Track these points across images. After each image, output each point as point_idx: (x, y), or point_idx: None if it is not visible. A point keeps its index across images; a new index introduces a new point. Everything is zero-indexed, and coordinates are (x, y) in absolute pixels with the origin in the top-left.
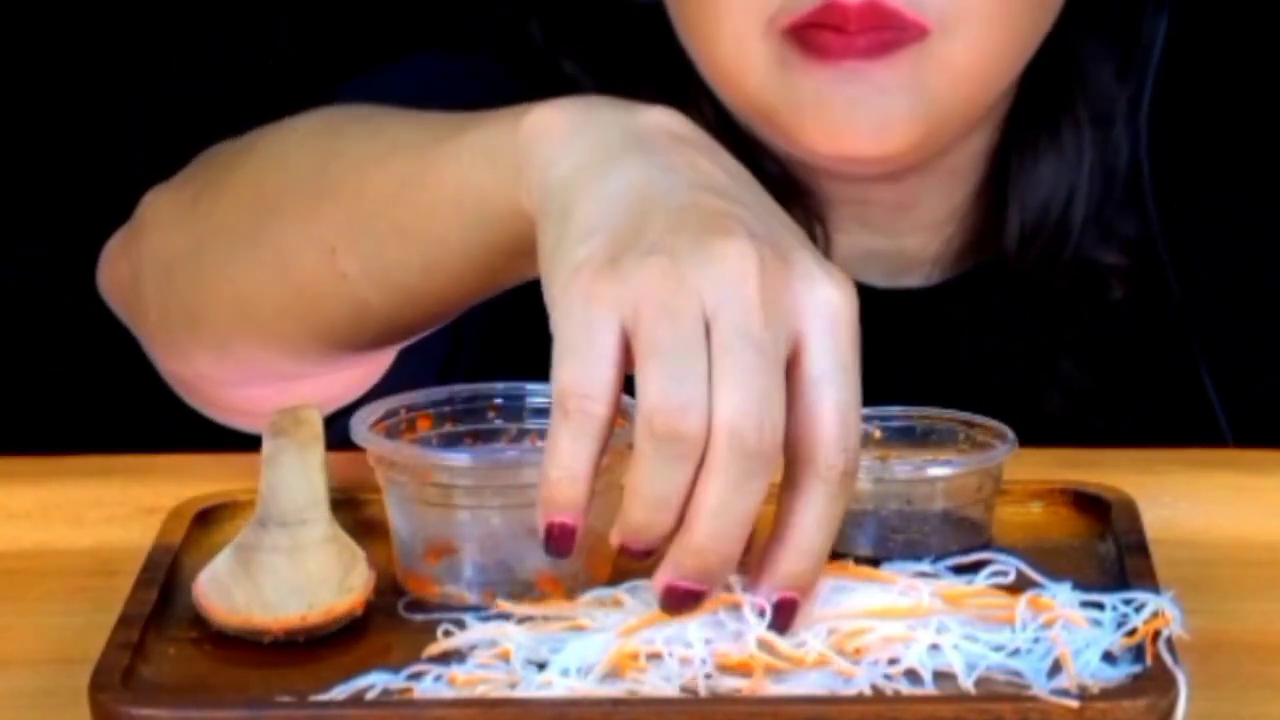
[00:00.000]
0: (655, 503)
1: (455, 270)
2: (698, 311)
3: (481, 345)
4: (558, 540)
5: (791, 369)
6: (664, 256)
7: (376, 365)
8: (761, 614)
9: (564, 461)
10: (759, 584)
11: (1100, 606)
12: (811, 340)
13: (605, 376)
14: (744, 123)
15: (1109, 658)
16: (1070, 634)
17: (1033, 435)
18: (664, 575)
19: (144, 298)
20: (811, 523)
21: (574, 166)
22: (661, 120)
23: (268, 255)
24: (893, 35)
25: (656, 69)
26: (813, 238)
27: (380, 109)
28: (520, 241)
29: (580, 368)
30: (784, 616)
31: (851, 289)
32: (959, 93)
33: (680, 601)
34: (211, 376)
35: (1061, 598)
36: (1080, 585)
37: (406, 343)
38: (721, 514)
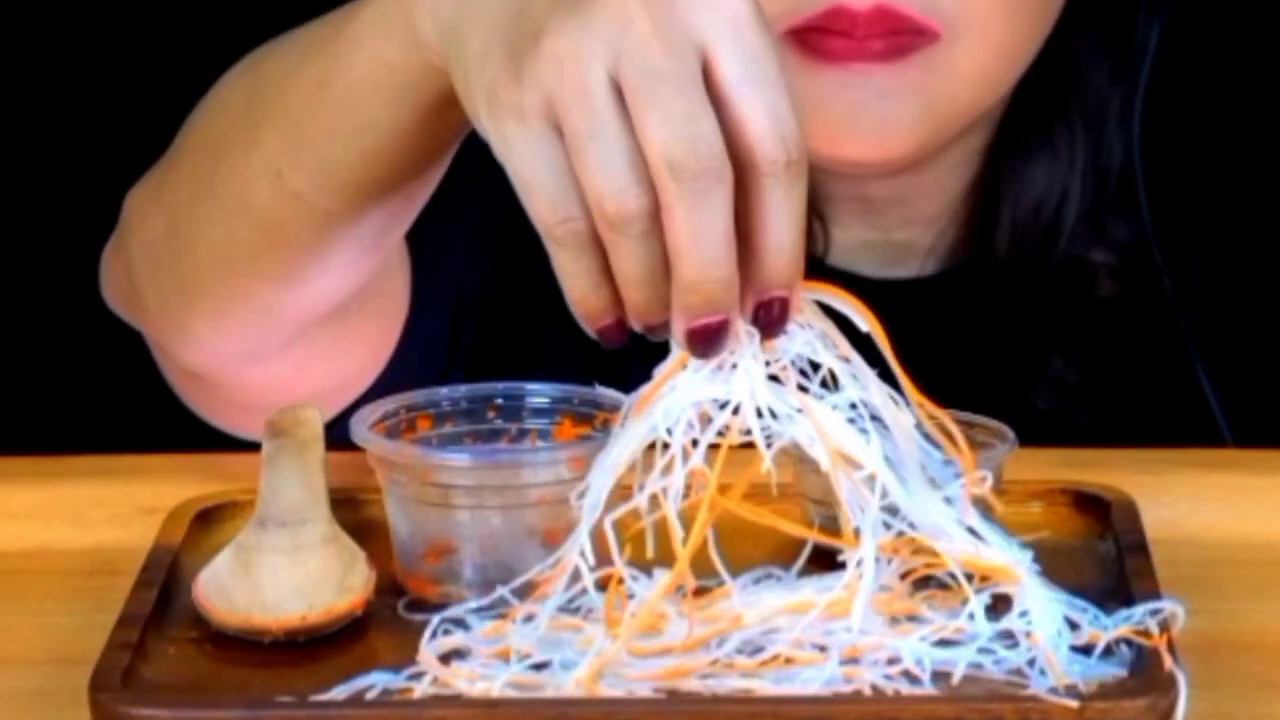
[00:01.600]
0: (641, 278)
1: (395, 150)
2: (602, 78)
3: (482, 327)
4: (613, 339)
5: (709, 82)
6: (551, 37)
7: (383, 342)
8: (755, 318)
9: (578, 282)
10: (743, 298)
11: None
12: (719, 49)
13: (568, 193)
14: None
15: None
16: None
17: (1025, 432)
18: (678, 324)
19: (140, 291)
20: (773, 219)
21: (455, 2)
22: None
23: (227, 201)
24: (906, 40)
25: None
26: (810, 231)
27: (294, 30)
28: (441, 96)
29: (545, 193)
30: (777, 318)
31: None
32: (961, 98)
33: (705, 339)
34: (220, 356)
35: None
36: (1075, 586)
37: (392, 236)
38: (697, 241)
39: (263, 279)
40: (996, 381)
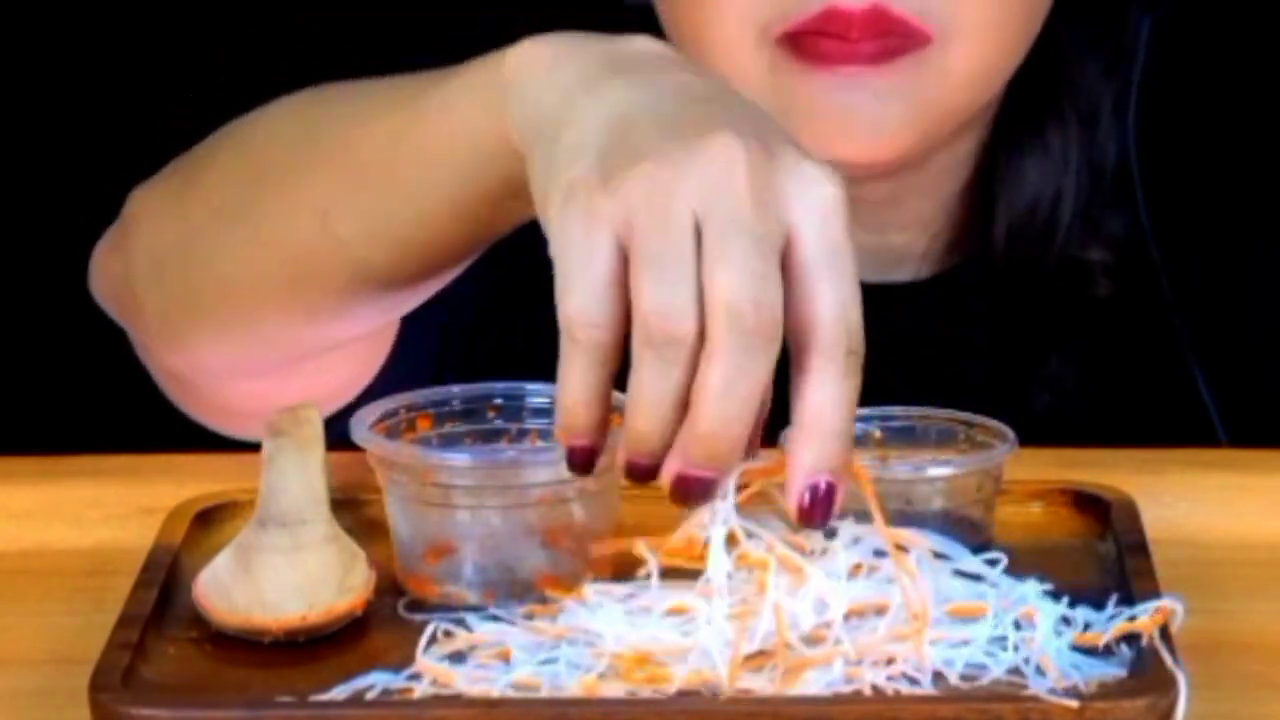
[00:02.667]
0: (655, 407)
1: (450, 217)
2: (688, 214)
3: (471, 347)
4: (578, 462)
5: (786, 260)
6: (651, 162)
7: (372, 358)
8: (800, 501)
9: (577, 388)
10: (790, 482)
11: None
12: (804, 229)
13: (608, 301)
14: None
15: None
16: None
17: (1022, 432)
18: (672, 464)
19: (138, 294)
20: (828, 404)
21: (559, 95)
22: (640, 43)
23: (260, 229)
24: (897, 42)
25: None
26: None
27: (361, 80)
28: (512, 182)
29: (583, 295)
30: (823, 504)
31: (839, 179)
32: (954, 100)
33: (689, 491)
34: (211, 368)
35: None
36: (1075, 586)
37: (410, 300)
38: (726, 395)
39: (279, 314)
40: (994, 382)
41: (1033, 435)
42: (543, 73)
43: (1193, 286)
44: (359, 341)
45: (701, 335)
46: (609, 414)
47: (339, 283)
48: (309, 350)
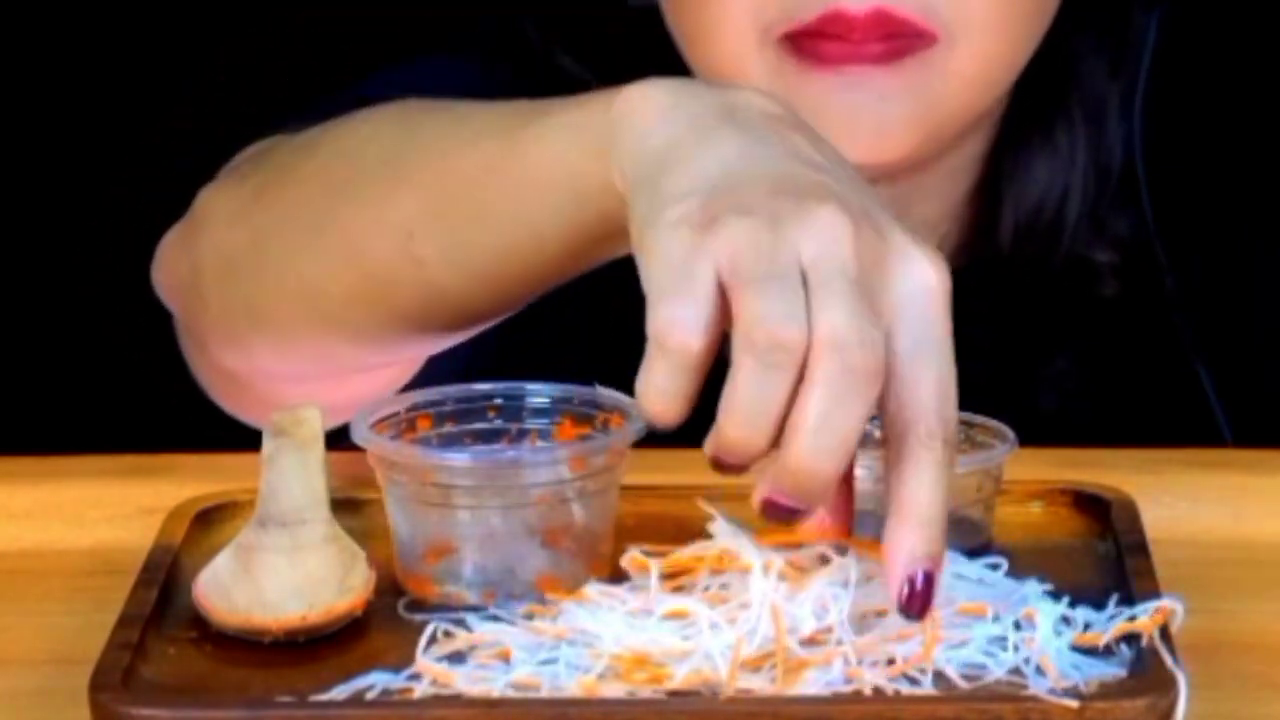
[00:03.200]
0: (752, 417)
1: (537, 253)
2: (794, 259)
3: (504, 353)
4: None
5: (888, 343)
6: (759, 218)
7: (412, 361)
8: (901, 599)
9: (662, 394)
10: (890, 571)
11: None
12: (907, 313)
13: (703, 312)
14: None
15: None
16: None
17: (1026, 432)
18: (762, 490)
19: (204, 294)
20: (926, 491)
21: (668, 139)
22: (755, 98)
23: (337, 243)
24: (903, 43)
25: (653, 69)
26: None
27: (455, 101)
28: (608, 222)
29: (679, 304)
30: (924, 593)
31: (945, 267)
32: (959, 100)
33: (779, 517)
34: (272, 371)
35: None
36: (1075, 586)
37: (478, 329)
38: (822, 430)
39: (346, 328)
40: (998, 382)
41: (1035, 435)
42: (655, 116)
43: (1197, 286)
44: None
45: (804, 363)
46: (691, 410)
47: (413, 306)
48: (371, 365)
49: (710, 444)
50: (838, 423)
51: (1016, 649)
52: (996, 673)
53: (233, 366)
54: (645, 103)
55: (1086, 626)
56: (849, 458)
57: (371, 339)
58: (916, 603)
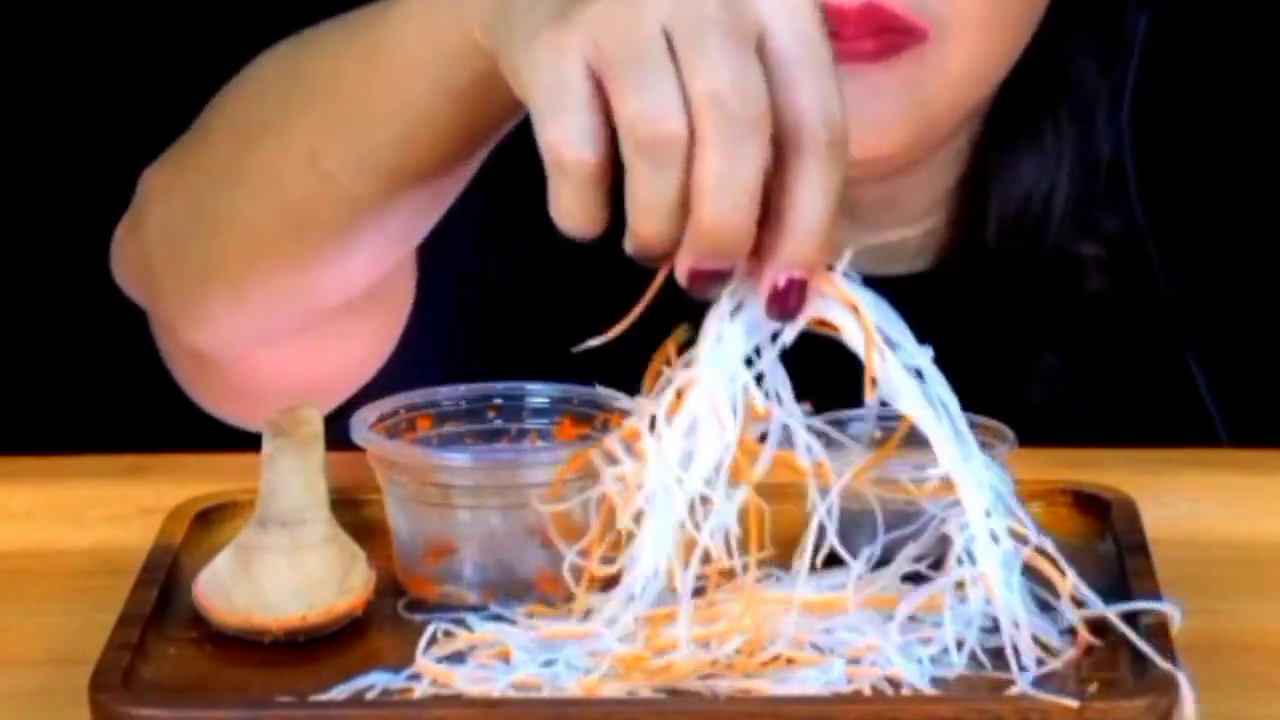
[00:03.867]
0: (655, 212)
1: (432, 135)
2: (655, 25)
3: (475, 349)
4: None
5: (761, 57)
6: None
7: (388, 331)
8: (771, 297)
9: (573, 213)
10: (762, 272)
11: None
12: (775, 25)
13: (588, 124)
14: None
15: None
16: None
17: (1013, 426)
18: (684, 261)
19: (155, 272)
20: (806, 198)
21: None
22: None
23: (257, 181)
24: (895, 39)
25: None
26: None
27: (335, 18)
28: (486, 81)
29: (562, 123)
30: (794, 299)
31: None
32: (951, 96)
33: (704, 283)
34: (230, 339)
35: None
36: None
37: (406, 243)
38: (722, 186)
39: (286, 264)
40: (989, 378)
41: (1029, 432)
42: None
43: (1193, 285)
44: (374, 310)
45: (692, 136)
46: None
47: (337, 223)
48: (325, 303)
49: (629, 244)
50: (737, 174)
51: (1017, 650)
52: (995, 673)
53: (201, 344)
54: None
55: (1087, 626)
56: (754, 202)
57: (315, 267)
58: (780, 303)
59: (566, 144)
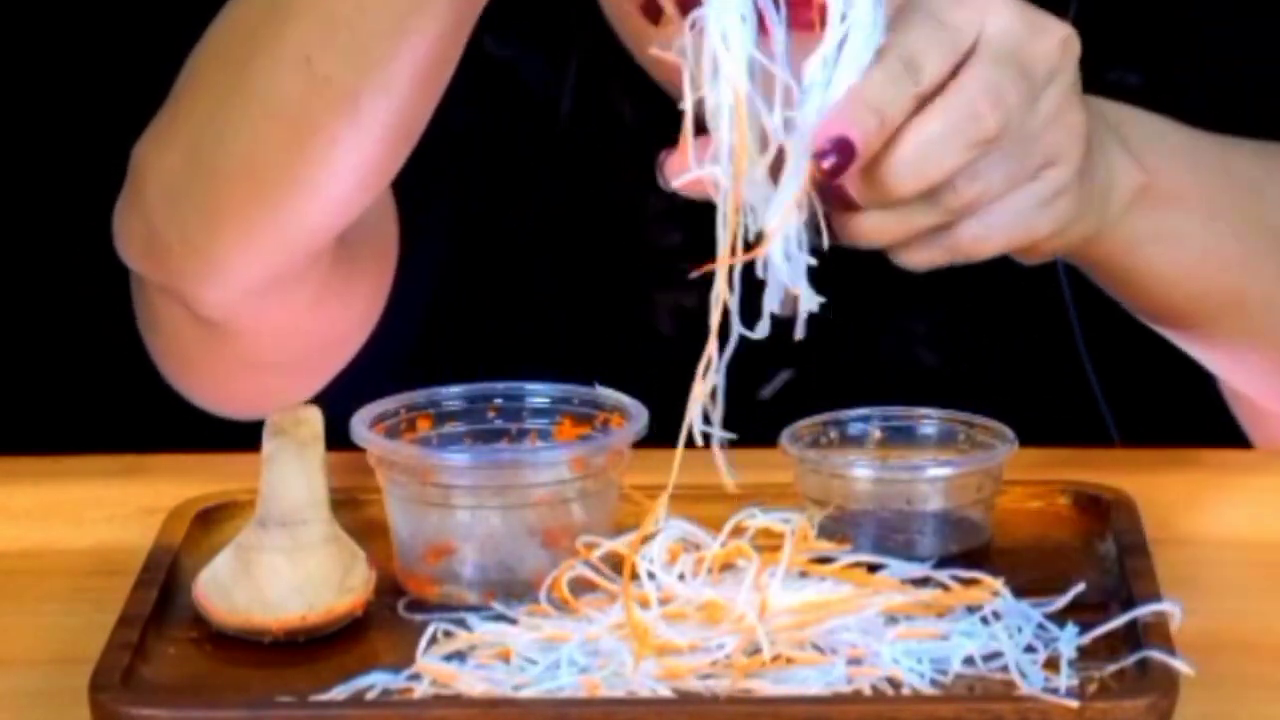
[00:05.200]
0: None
1: (426, 16)
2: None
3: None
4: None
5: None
6: None
7: (376, 293)
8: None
9: None
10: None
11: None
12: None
13: None
14: None
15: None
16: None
17: (908, 388)
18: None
19: (160, 233)
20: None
21: None
22: None
23: (252, 103)
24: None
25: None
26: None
27: None
28: None
29: None
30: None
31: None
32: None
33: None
34: (243, 287)
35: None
36: (1075, 586)
37: (401, 151)
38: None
39: (290, 183)
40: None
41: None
42: None
43: (1087, 278)
44: (368, 264)
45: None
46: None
47: (338, 126)
48: (332, 227)
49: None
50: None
51: (1026, 649)
52: (994, 673)
53: (214, 303)
54: None
55: (1086, 627)
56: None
57: (319, 181)
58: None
59: None
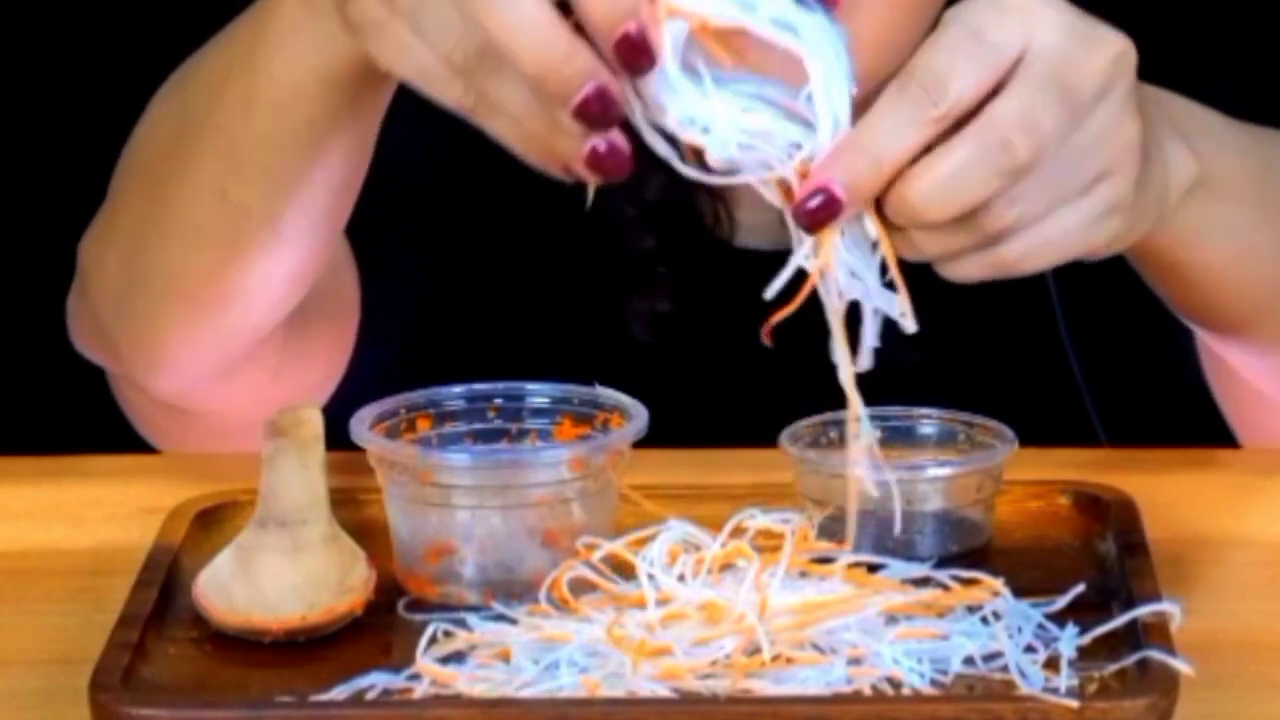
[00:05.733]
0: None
1: (332, 130)
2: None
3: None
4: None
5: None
6: None
7: (338, 352)
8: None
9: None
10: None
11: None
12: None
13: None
14: None
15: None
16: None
17: (895, 389)
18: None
19: (108, 331)
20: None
21: None
22: None
23: (175, 228)
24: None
25: None
26: (715, 215)
27: (204, 49)
28: (358, 62)
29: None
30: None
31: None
32: (862, 64)
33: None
34: (195, 376)
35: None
36: (1075, 586)
37: (335, 225)
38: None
39: (223, 297)
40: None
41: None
42: None
43: (1073, 279)
44: (326, 328)
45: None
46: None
47: (262, 244)
48: (276, 312)
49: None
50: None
51: (1024, 649)
52: (994, 673)
53: (171, 391)
54: None
55: (1086, 627)
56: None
57: (253, 288)
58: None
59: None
